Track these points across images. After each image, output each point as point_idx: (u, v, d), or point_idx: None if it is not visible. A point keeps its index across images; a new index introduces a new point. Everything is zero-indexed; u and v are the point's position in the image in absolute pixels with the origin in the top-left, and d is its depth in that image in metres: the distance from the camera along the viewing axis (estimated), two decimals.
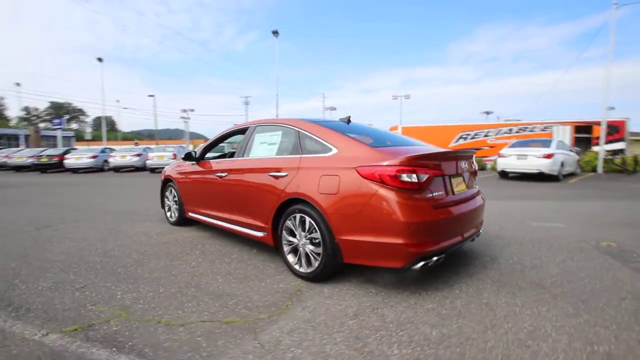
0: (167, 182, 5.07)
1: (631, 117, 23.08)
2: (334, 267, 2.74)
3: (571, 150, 13.49)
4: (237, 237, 4.17)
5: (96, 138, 55.64)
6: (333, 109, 43.77)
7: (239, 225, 3.63)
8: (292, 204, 2.97)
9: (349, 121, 3.49)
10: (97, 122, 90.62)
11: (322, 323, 2.17)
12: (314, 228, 2.76)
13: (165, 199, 5.12)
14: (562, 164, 11.51)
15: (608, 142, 17.44)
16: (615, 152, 18.22)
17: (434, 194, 2.58)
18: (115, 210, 6.24)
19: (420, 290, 2.63)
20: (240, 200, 3.56)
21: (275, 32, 18.85)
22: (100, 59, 29.49)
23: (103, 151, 18.97)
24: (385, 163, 2.46)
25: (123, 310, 2.37)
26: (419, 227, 2.38)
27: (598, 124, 19.77)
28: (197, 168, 4.38)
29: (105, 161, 18.39)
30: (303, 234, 2.87)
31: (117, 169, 18.06)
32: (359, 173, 2.54)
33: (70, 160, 17.81)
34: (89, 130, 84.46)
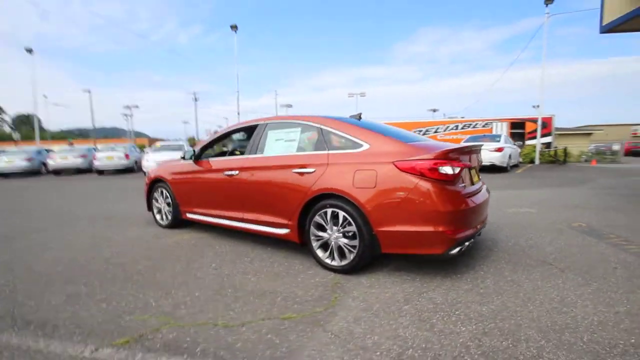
0: (155, 183, 4.76)
1: (555, 114, 26.25)
2: (369, 259, 2.85)
3: (514, 144, 15.05)
4: (245, 236, 4.08)
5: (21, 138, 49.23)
6: (289, 106, 43.58)
7: (255, 224, 3.57)
8: (321, 199, 3.01)
9: (359, 118, 3.60)
10: (19, 120, 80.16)
11: (381, 310, 2.27)
12: (349, 221, 2.84)
13: (154, 202, 4.80)
14: (510, 157, 12.82)
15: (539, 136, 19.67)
16: (547, 145, 20.59)
17: (462, 185, 2.81)
18: (86, 216, 5.68)
19: (450, 275, 2.85)
20: (257, 199, 3.50)
21: (233, 27, 18.19)
22: (29, 50, 26.04)
23: (39, 152, 16.92)
24: (423, 157, 2.62)
25: (168, 317, 2.25)
26: (456, 215, 2.59)
27: (530, 120, 22.32)
28: (196, 167, 4.19)
29: (43, 163, 16.43)
30: (335, 228, 2.93)
31: (58, 172, 16.23)
32: (397, 167, 2.67)
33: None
34: (7, 129, 74.26)
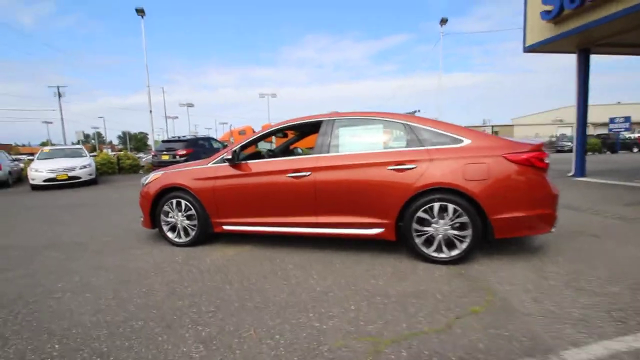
0: (166, 193, 3.88)
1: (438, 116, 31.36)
2: (478, 246, 3.03)
3: None
4: (294, 243, 3.72)
5: None
6: (190, 105, 39.82)
7: (333, 228, 3.32)
8: (425, 194, 3.03)
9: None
10: None
11: (556, 288, 2.48)
12: (459, 213, 2.95)
13: (162, 216, 3.91)
14: None
15: None
16: None
17: None
18: (52, 244, 4.18)
19: (542, 259, 3.27)
20: (339, 200, 3.26)
21: (140, 11, 15.54)
22: None
23: None
24: (528, 150, 2.93)
25: (368, 337, 1.97)
26: (556, 198, 2.99)
27: None
28: (238, 171, 3.61)
29: None
30: (442, 221, 3.00)
31: None
32: (508, 159, 2.91)
33: None
34: None
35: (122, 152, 17.22)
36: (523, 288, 2.53)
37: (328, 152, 3.38)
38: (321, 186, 3.30)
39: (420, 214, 3.05)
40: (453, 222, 2.99)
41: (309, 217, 3.39)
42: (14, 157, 16.99)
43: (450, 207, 2.97)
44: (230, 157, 3.56)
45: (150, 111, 16.24)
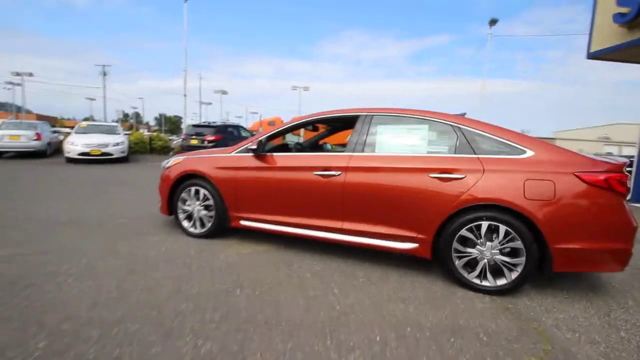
0: (185, 180, 3.67)
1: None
2: (530, 277, 2.56)
3: None
4: (319, 247, 3.39)
5: None
6: (224, 92, 40.47)
7: (360, 236, 2.96)
8: (473, 210, 2.60)
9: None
10: None
11: (631, 342, 2.01)
12: (512, 237, 2.50)
13: (180, 203, 3.70)
14: None
15: None
16: None
17: None
18: (69, 221, 4.12)
19: (607, 301, 2.75)
20: (370, 206, 2.89)
21: None
22: None
23: None
24: (606, 169, 2.42)
25: None
26: (635, 230, 2.46)
27: None
28: (262, 163, 3.32)
29: None
30: (490, 243, 2.57)
31: None
32: (580, 178, 2.42)
33: None
34: None
35: (154, 134, 17.63)
36: (588, 338, 2.06)
37: (362, 151, 3.01)
38: (351, 188, 2.94)
39: (463, 232, 2.62)
40: (503, 247, 2.55)
41: (334, 221, 3.04)
42: (55, 129, 17.79)
43: (502, 228, 2.52)
44: (255, 147, 3.27)
45: (185, 95, 16.50)
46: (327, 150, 4.34)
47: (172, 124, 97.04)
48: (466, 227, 2.62)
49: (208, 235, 3.60)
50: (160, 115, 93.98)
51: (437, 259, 2.79)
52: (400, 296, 2.51)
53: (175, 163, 3.80)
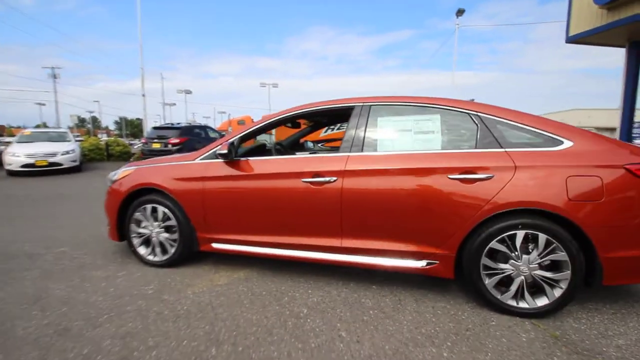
0: (138, 195, 2.93)
1: None
2: (575, 294, 2.11)
3: None
4: (313, 270, 2.80)
5: None
6: (188, 92, 38.42)
7: (365, 255, 2.40)
8: (504, 217, 2.11)
9: None
10: None
11: None
12: (554, 247, 2.03)
13: (133, 226, 2.96)
14: None
15: None
16: None
17: None
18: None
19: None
20: (376, 217, 2.33)
21: None
22: None
23: None
24: None
25: None
26: None
27: None
28: (235, 171, 2.66)
29: None
30: (527, 256, 2.09)
31: None
32: (632, 172, 1.98)
33: None
34: None
35: (111, 138, 16.17)
36: None
37: (361, 150, 2.43)
38: (350, 197, 2.36)
39: (494, 244, 2.13)
40: (543, 259, 2.08)
41: (331, 239, 2.46)
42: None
43: (542, 237, 2.05)
44: (225, 151, 2.59)
45: (143, 95, 15.15)
46: (310, 150, 3.73)
47: (134, 128, 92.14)
48: (497, 239, 2.12)
49: (172, 263, 2.90)
50: (121, 118, 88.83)
51: (462, 277, 2.28)
52: (425, 333, 1.97)
53: (125, 175, 3.04)
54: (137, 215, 2.93)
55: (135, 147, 18.34)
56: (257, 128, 2.81)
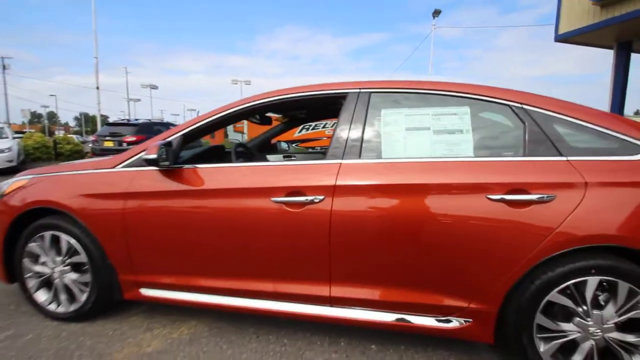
0: (35, 218, 2.02)
1: None
2: None
3: None
4: (286, 326, 2.03)
5: None
6: (154, 87, 36.07)
7: (362, 308, 1.67)
8: (570, 258, 1.44)
9: None
10: None
11: None
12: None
13: (27, 262, 2.04)
14: None
15: None
16: None
17: None
18: None
19: None
20: (380, 255, 1.60)
21: None
22: None
23: None
24: None
25: None
26: None
27: None
28: (174, 185, 1.83)
29: None
30: (601, 312, 1.43)
31: None
32: None
33: None
34: None
35: (60, 135, 14.50)
36: None
37: (359, 157, 1.69)
38: (344, 224, 1.61)
39: (554, 296, 1.46)
40: (622, 317, 1.43)
41: (315, 285, 1.70)
42: None
43: (624, 286, 1.40)
44: (153, 156, 1.74)
45: (98, 87, 13.61)
46: (285, 153, 2.95)
47: (95, 124, 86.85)
48: (558, 288, 1.45)
49: (83, 315, 2.01)
50: (82, 114, 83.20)
51: (504, 340, 1.60)
52: None
53: (17, 187, 2.12)
54: (33, 246, 2.02)
55: (89, 145, 16.69)
56: (209, 121, 1.98)
